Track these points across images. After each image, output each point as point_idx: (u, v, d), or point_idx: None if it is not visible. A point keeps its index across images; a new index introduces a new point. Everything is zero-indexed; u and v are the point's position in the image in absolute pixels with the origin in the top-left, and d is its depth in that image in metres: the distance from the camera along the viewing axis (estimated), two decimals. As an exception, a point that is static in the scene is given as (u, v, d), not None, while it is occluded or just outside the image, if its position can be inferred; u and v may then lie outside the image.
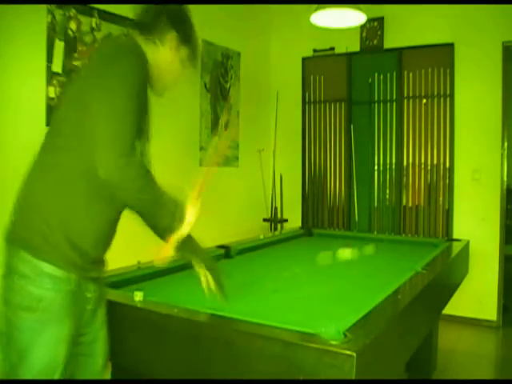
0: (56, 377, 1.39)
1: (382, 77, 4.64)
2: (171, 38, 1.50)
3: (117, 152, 1.28)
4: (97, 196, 1.41)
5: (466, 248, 3.14)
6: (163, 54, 1.51)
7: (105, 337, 1.58)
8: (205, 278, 1.68)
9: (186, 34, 1.52)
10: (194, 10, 4.60)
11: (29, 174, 1.46)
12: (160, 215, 1.43)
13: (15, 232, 1.42)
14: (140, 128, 1.43)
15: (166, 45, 1.50)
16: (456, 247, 2.98)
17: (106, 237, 1.51)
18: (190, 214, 1.47)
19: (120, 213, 1.55)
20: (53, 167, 1.42)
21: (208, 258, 1.71)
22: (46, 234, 1.37)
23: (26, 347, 1.35)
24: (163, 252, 1.50)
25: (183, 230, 1.46)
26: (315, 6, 3.02)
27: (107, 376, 1.60)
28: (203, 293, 1.72)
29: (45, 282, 1.36)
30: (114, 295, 1.78)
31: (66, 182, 1.40)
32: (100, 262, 1.54)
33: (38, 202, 1.41)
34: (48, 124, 2.92)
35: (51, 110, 2.94)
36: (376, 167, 4.69)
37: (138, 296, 1.66)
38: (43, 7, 2.88)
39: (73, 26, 3.05)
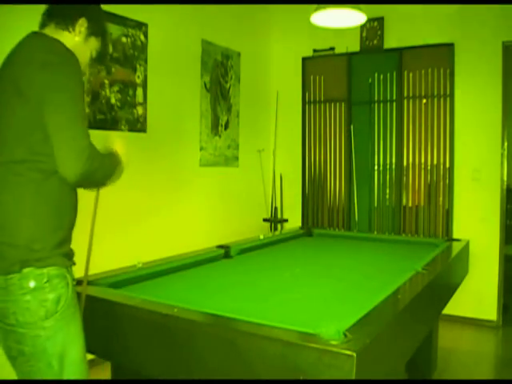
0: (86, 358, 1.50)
1: (381, 77, 4.64)
2: (82, 25, 1.58)
3: (74, 153, 1.37)
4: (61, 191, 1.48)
5: (465, 248, 3.14)
6: (72, 41, 1.56)
7: None
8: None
9: (98, 25, 1.63)
10: (194, 10, 4.60)
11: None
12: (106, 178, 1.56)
13: (11, 256, 1.40)
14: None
15: (77, 34, 1.58)
16: (456, 247, 2.98)
17: (74, 216, 1.57)
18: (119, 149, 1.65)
19: None
20: (11, 180, 1.43)
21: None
22: (42, 246, 1.42)
23: (63, 348, 1.42)
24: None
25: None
26: (315, 6, 3.02)
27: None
28: (204, 294, 1.72)
29: (55, 283, 1.42)
30: (114, 295, 1.78)
31: (30, 188, 1.42)
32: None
33: (10, 218, 1.42)
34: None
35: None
36: (376, 167, 4.69)
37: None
38: (43, 7, 2.87)
39: (73, 26, 3.05)
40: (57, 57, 1.43)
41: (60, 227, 1.48)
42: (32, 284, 1.38)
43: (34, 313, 1.38)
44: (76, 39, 1.57)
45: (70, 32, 1.56)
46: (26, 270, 1.38)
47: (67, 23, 1.55)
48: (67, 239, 1.52)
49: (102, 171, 1.50)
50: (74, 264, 1.56)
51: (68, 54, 1.46)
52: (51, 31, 1.54)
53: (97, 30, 1.62)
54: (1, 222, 1.43)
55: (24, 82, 1.40)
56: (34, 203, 1.42)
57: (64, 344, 1.42)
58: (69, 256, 1.52)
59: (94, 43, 1.64)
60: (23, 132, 1.40)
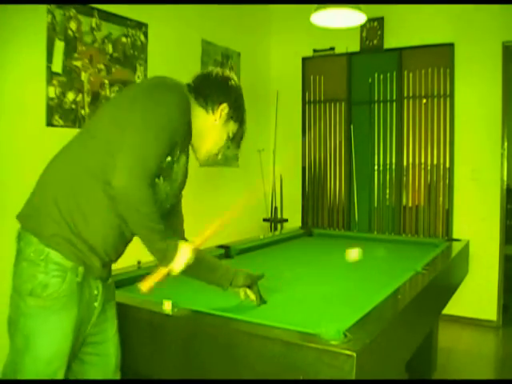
0: (61, 371, 1.41)
1: (381, 77, 4.64)
2: (223, 109, 1.59)
3: (135, 170, 1.35)
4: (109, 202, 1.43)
5: (465, 248, 3.14)
6: (211, 122, 1.60)
7: (116, 337, 1.59)
8: (245, 296, 1.79)
9: (238, 112, 1.63)
10: (194, 10, 4.61)
11: (55, 160, 1.50)
12: (151, 248, 1.47)
13: (29, 215, 1.45)
14: (166, 169, 1.50)
15: (216, 114, 1.59)
16: (456, 247, 2.98)
17: (116, 242, 1.51)
18: (182, 258, 1.50)
19: None
20: (77, 163, 1.45)
21: (247, 278, 1.78)
22: (55, 218, 1.40)
23: (31, 333, 1.38)
24: (149, 279, 1.53)
25: (173, 269, 1.51)
26: (315, 6, 3.02)
27: (118, 376, 1.59)
28: (204, 294, 1.73)
29: (50, 269, 1.37)
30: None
31: (86, 181, 1.43)
32: (109, 264, 1.56)
33: (56, 193, 1.43)
34: (48, 124, 2.92)
35: (51, 109, 2.94)
36: (376, 167, 4.69)
37: (166, 305, 1.63)
38: (43, 7, 2.88)
39: (73, 26, 3.05)
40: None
41: (92, 234, 1.44)
42: (31, 253, 1.38)
43: (24, 281, 1.38)
44: (215, 122, 1.60)
45: (208, 113, 1.59)
46: (32, 239, 1.38)
47: (208, 104, 1.58)
48: (99, 251, 1.46)
49: (143, 221, 1.40)
50: (104, 278, 1.52)
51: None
52: (191, 103, 1.56)
53: (237, 116, 1.64)
54: (51, 193, 1.44)
55: None
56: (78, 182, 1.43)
57: (33, 331, 1.38)
58: (94, 266, 1.45)
59: (232, 127, 1.65)
60: None
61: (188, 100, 1.52)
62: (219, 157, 1.70)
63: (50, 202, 1.41)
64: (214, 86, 1.60)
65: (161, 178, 1.48)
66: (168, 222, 1.61)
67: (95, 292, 1.49)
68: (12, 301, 1.41)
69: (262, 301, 1.78)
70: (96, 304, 1.50)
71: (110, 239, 1.48)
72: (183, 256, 1.49)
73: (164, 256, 1.48)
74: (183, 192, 1.74)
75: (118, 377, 1.59)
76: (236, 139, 1.69)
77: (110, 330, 1.57)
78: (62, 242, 1.39)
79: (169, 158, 1.47)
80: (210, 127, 1.59)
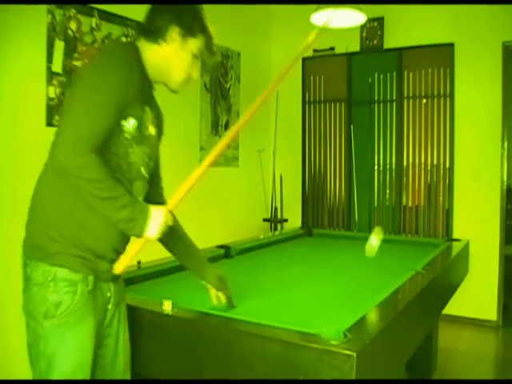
0: (86, 378, 1.41)
1: (381, 77, 4.64)
2: (172, 32, 1.48)
3: (69, 140, 1.28)
4: None
5: (466, 248, 3.14)
6: (166, 52, 1.49)
7: (126, 338, 1.57)
8: (216, 298, 1.75)
9: (191, 25, 1.49)
10: (194, 10, 4.52)
11: (38, 178, 1.46)
12: (113, 219, 1.38)
13: (31, 246, 1.42)
14: (136, 135, 1.44)
15: (169, 42, 1.48)
16: (456, 247, 2.98)
17: (119, 240, 1.49)
18: (155, 223, 1.40)
19: None
20: (50, 173, 1.42)
21: (219, 281, 1.75)
22: (57, 239, 1.38)
23: (52, 354, 1.36)
24: (123, 259, 1.46)
25: (148, 236, 1.40)
26: (315, 6, 3.02)
27: (128, 376, 1.58)
28: (204, 294, 1.72)
29: (60, 287, 1.36)
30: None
31: (66, 189, 1.39)
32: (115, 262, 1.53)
33: (48, 214, 1.41)
34: (48, 124, 2.92)
35: (51, 109, 2.94)
36: (376, 167, 4.69)
37: (166, 305, 1.62)
38: (43, 7, 2.87)
39: (73, 26, 3.05)
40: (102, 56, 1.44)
41: (93, 236, 1.41)
42: (39, 277, 1.36)
43: (37, 306, 1.37)
44: (171, 49, 1.49)
45: (160, 45, 1.48)
46: (38, 263, 1.37)
47: (157, 36, 1.47)
48: (103, 253, 1.43)
49: (100, 183, 1.32)
50: (111, 278, 1.48)
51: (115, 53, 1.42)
52: (142, 45, 1.49)
53: (192, 30, 1.49)
54: (41, 210, 1.42)
55: None
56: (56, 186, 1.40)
57: (54, 351, 1.36)
58: (101, 269, 1.43)
59: (193, 43, 1.50)
60: None
61: (131, 52, 1.44)
62: (196, 76, 1.57)
63: (46, 226, 1.40)
64: (155, 15, 1.49)
65: (133, 145, 1.44)
66: (150, 193, 1.60)
67: (108, 294, 1.49)
68: (28, 327, 1.40)
69: (232, 305, 1.74)
70: (109, 306, 1.50)
71: (114, 239, 1.46)
72: (156, 220, 1.39)
73: (132, 225, 1.37)
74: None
75: (128, 377, 1.57)
76: (206, 50, 1.54)
77: (121, 330, 1.55)
78: (67, 258, 1.38)
79: (135, 124, 1.42)
80: (167, 57, 1.48)
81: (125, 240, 1.52)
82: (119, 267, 1.45)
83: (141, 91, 1.45)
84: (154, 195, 1.68)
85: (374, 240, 1.77)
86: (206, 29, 1.54)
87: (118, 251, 1.50)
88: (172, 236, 1.65)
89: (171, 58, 1.49)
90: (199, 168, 1.55)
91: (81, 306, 1.38)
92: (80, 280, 1.38)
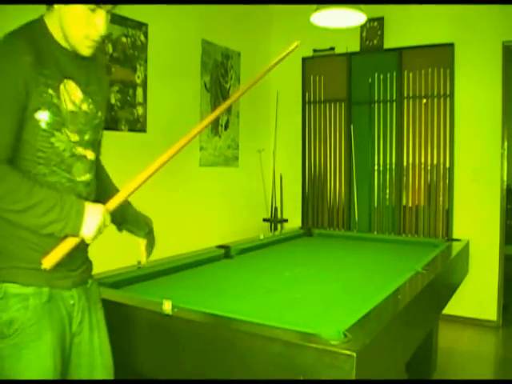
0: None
1: (382, 77, 4.64)
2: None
3: None
4: None
5: (466, 248, 3.14)
6: (57, 18, 1.36)
7: (104, 344, 1.47)
8: (144, 247, 1.71)
9: None
10: (194, 10, 4.60)
11: None
12: (40, 228, 1.26)
13: None
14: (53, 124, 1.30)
15: (60, 7, 1.35)
16: (456, 247, 2.98)
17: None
18: (91, 222, 1.29)
19: None
20: None
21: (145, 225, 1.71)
22: (12, 255, 1.30)
23: (11, 375, 1.28)
24: (54, 253, 1.29)
25: (84, 236, 1.29)
26: (315, 6, 3.02)
27: (110, 376, 1.53)
28: (204, 294, 1.72)
29: (11, 304, 1.27)
30: (115, 295, 1.78)
31: None
32: (79, 266, 1.43)
33: None
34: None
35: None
36: (376, 167, 4.69)
37: (166, 305, 1.60)
38: (43, 7, 2.87)
39: (73, 26, 3.04)
40: None
41: (40, 244, 1.30)
42: None
43: None
44: (60, 9, 1.34)
45: (52, 13, 1.36)
46: None
47: (48, 6, 1.36)
48: (40, 249, 1.30)
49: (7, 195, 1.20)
50: (72, 284, 1.38)
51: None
52: (47, 18, 1.39)
53: None
54: None
55: None
56: None
57: (11, 373, 1.27)
58: (58, 277, 1.33)
59: (79, 8, 1.31)
60: None
61: (20, 37, 1.31)
62: (102, 33, 1.34)
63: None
64: None
65: (55, 132, 1.30)
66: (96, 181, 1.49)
67: (71, 302, 1.39)
68: None
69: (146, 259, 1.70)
70: (74, 314, 1.40)
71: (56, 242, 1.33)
72: (92, 219, 1.28)
73: (62, 225, 1.26)
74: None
75: (109, 375, 1.49)
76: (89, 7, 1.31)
77: (96, 338, 1.45)
78: (17, 272, 1.29)
79: (48, 113, 1.28)
80: (61, 19, 1.34)
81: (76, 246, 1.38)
82: (48, 262, 1.27)
83: (44, 73, 1.28)
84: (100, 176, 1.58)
85: None
86: None
87: (74, 256, 1.37)
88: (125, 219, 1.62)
89: (64, 18, 1.34)
90: (141, 174, 1.45)
91: (35, 321, 1.29)
92: (32, 293, 1.29)
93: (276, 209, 4.91)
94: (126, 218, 1.66)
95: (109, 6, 1.33)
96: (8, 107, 1.24)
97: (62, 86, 1.32)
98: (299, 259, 2.80)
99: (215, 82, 4.42)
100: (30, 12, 2.66)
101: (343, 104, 4.85)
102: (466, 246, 3.17)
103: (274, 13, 5.15)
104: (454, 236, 4.08)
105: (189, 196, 4.02)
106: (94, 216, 1.29)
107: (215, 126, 4.43)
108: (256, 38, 5.05)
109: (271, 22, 5.18)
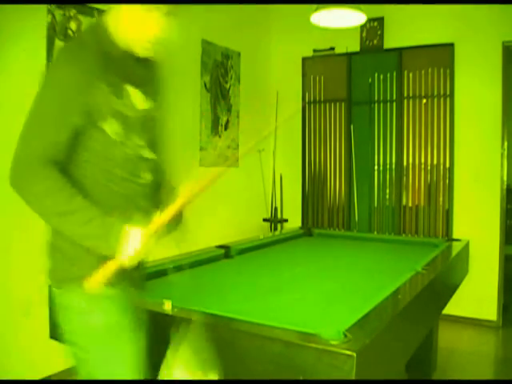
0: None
1: (382, 77, 4.64)
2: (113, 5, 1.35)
3: (16, 163, 1.26)
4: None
5: (466, 248, 3.14)
6: (115, 18, 1.35)
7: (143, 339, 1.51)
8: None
9: None
10: (194, 10, 4.58)
11: None
12: (78, 226, 1.25)
13: (56, 270, 1.37)
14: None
15: (118, 8, 1.34)
16: (456, 247, 2.98)
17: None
18: (130, 246, 1.25)
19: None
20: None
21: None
22: (85, 260, 1.31)
23: (113, 374, 1.34)
24: (97, 276, 1.28)
25: (122, 260, 1.26)
26: (315, 6, 3.02)
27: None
28: (204, 294, 1.72)
29: (106, 308, 1.32)
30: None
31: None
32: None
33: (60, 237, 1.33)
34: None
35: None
36: (376, 167, 4.68)
37: (166, 305, 1.62)
38: (43, 7, 2.87)
39: (73, 25, 3.05)
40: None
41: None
42: (82, 303, 1.33)
43: (80, 334, 1.35)
44: (120, 9, 1.32)
45: (112, 9, 1.34)
46: (77, 289, 1.32)
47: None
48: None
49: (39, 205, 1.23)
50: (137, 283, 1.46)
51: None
52: (107, 19, 1.37)
53: None
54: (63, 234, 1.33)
55: None
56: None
57: (111, 373, 1.35)
58: (127, 277, 1.38)
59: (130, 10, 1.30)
60: None
61: (87, 46, 1.31)
62: (158, 35, 1.36)
63: (72, 248, 1.31)
64: None
65: (123, 140, 1.32)
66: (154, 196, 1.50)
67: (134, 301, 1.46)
68: (76, 358, 1.35)
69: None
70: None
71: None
72: (130, 243, 1.24)
73: (98, 242, 1.25)
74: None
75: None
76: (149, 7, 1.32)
77: (142, 337, 1.49)
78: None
79: (115, 122, 1.29)
80: (119, 25, 1.33)
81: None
82: (92, 284, 1.27)
83: (109, 81, 1.29)
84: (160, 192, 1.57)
85: None
86: None
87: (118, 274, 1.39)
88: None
89: (121, 19, 1.33)
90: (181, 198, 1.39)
91: (124, 322, 1.35)
92: (118, 294, 1.35)
93: (276, 209, 4.91)
94: None
95: (165, 8, 1.34)
96: (68, 111, 1.26)
97: (125, 92, 1.33)
98: (299, 259, 2.80)
99: (215, 81, 4.42)
100: (31, 12, 2.65)
101: (343, 104, 4.85)
102: (466, 246, 3.17)
103: (274, 13, 5.14)
104: (454, 236, 4.08)
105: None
106: (131, 241, 1.25)
107: (215, 126, 4.43)
108: (256, 38, 5.05)
109: (271, 22, 5.18)
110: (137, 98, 1.37)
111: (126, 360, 1.35)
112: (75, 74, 1.26)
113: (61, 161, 1.28)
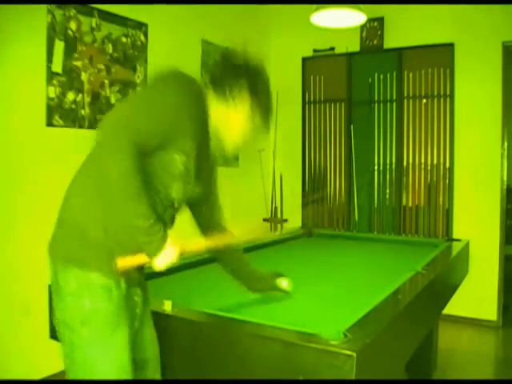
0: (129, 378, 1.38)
1: (382, 77, 4.64)
2: (245, 102, 1.49)
3: (114, 147, 1.30)
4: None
5: (465, 248, 3.14)
6: (233, 115, 1.49)
7: (154, 341, 1.53)
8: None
9: (260, 102, 1.51)
10: (194, 10, 4.60)
11: (71, 183, 1.43)
12: (135, 235, 1.33)
13: (54, 246, 1.39)
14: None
15: (238, 107, 1.49)
16: (456, 247, 2.98)
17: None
18: (166, 257, 1.35)
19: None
20: (95, 177, 1.38)
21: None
22: (91, 244, 1.35)
23: (92, 363, 1.33)
24: (129, 259, 1.37)
25: (155, 264, 1.36)
26: (315, 6, 3.02)
27: (158, 377, 1.54)
28: (204, 294, 1.72)
29: (97, 294, 1.33)
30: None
31: (106, 193, 1.35)
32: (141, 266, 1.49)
33: (80, 214, 1.37)
34: (48, 124, 2.92)
35: (51, 109, 2.94)
36: (376, 167, 4.68)
37: (166, 305, 1.62)
38: (43, 7, 2.88)
39: (73, 25, 3.05)
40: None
41: (124, 240, 1.37)
42: (73, 285, 1.34)
43: (73, 315, 1.35)
44: (235, 112, 1.49)
45: (228, 106, 1.49)
46: (72, 270, 1.35)
47: (226, 96, 1.49)
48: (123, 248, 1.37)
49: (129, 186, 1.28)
50: (138, 282, 1.46)
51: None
52: (209, 96, 1.52)
53: (259, 97, 1.50)
54: (74, 215, 1.39)
55: None
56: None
57: (93, 362, 1.34)
58: (130, 273, 1.41)
59: (257, 111, 1.51)
60: None
61: (201, 95, 1.48)
62: (248, 141, 1.55)
63: (76, 231, 1.36)
64: (234, 76, 1.52)
65: (179, 180, 1.44)
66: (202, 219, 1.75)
67: (136, 299, 1.47)
68: (63, 336, 1.36)
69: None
70: (137, 310, 1.47)
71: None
72: (167, 255, 1.35)
73: (144, 239, 1.33)
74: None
75: (158, 376, 1.53)
76: (261, 125, 1.54)
77: (147, 332, 1.51)
78: (104, 263, 1.34)
79: (184, 159, 1.41)
80: (230, 119, 1.49)
81: None
82: (122, 263, 1.36)
83: (197, 133, 1.44)
84: (209, 219, 1.85)
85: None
86: (270, 107, 1.56)
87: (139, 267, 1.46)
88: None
89: (233, 121, 1.49)
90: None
91: (117, 312, 1.35)
92: (114, 286, 1.35)
93: (276, 209, 4.91)
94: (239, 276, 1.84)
95: (268, 127, 1.53)
96: (177, 121, 1.38)
97: (191, 152, 1.44)
98: (299, 259, 2.80)
99: (215, 82, 4.41)
100: (31, 12, 2.65)
101: (343, 104, 4.85)
102: (466, 246, 3.17)
103: (274, 13, 5.14)
104: (454, 236, 4.08)
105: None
106: (168, 253, 1.35)
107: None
108: (256, 38, 5.04)
109: (271, 22, 5.18)
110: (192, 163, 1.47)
111: (111, 350, 1.34)
112: (199, 106, 1.44)
113: (141, 153, 1.33)
